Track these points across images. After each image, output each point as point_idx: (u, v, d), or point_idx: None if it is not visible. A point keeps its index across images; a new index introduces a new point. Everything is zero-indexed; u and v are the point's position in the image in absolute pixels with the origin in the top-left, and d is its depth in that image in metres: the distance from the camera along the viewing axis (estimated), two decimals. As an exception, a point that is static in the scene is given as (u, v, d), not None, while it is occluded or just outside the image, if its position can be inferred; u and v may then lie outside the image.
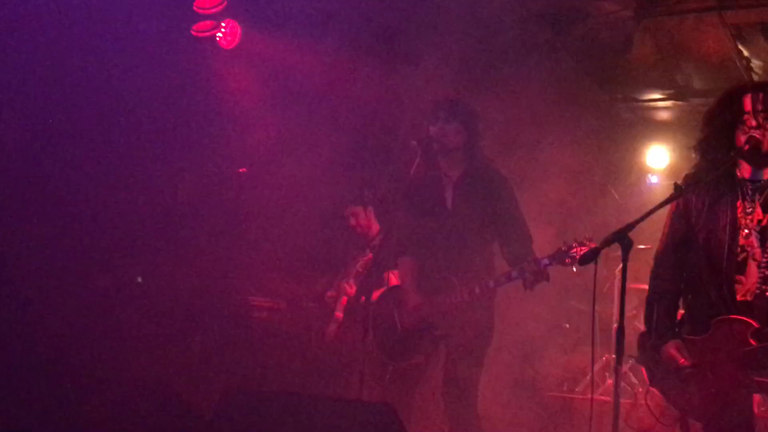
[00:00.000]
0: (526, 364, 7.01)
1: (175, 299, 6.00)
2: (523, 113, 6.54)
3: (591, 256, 3.43)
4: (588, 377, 7.33)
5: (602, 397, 6.84)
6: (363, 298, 4.44)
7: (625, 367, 7.14)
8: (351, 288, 5.74)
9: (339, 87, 6.18)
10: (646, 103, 8.07)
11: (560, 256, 4.27)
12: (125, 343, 5.39)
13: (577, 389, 7.28)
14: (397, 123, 5.80)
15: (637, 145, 8.24)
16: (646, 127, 8.25)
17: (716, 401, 3.43)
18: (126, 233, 5.92)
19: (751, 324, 3.37)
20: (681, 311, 3.75)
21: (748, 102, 3.53)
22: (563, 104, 6.98)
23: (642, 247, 5.44)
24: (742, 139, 3.50)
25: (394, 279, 4.79)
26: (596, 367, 7.41)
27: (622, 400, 6.66)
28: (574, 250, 4.26)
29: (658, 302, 3.70)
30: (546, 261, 4.29)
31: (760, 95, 3.52)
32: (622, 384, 7.02)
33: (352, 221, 6.15)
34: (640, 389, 5.11)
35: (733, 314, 3.43)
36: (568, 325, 7.74)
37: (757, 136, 3.47)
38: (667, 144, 8.27)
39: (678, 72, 7.36)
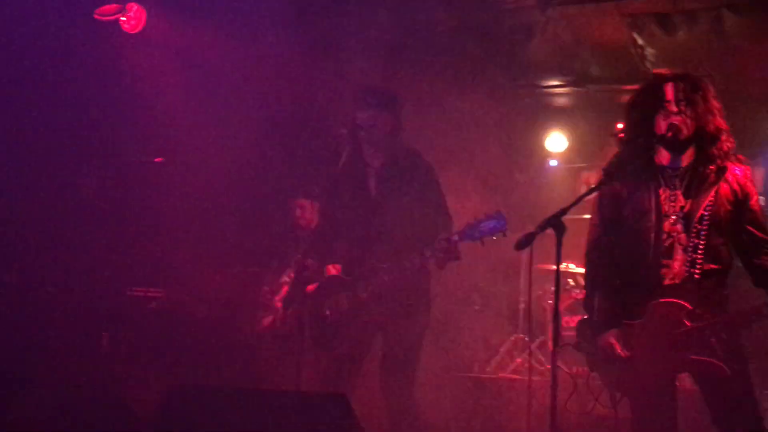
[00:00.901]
0: (438, 345, 7.15)
1: (84, 297, 5.79)
2: (431, 101, 6.66)
3: (526, 241, 3.53)
4: (498, 356, 7.56)
5: (512, 376, 7.05)
6: (301, 289, 4.42)
7: (533, 345, 7.38)
8: (289, 276, 5.71)
9: (259, 74, 6.07)
10: (547, 90, 8.31)
11: (470, 232, 4.33)
12: (36, 343, 5.16)
13: (488, 369, 7.47)
14: (327, 112, 5.77)
15: (538, 130, 8.48)
16: (547, 112, 8.50)
17: (655, 383, 3.60)
18: (29, 227, 5.65)
19: (684, 306, 3.53)
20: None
21: (669, 91, 3.67)
22: (469, 90, 7.12)
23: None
24: (663, 126, 3.64)
25: (332, 270, 4.78)
26: (505, 346, 7.63)
27: (529, 377, 6.95)
28: (483, 225, 4.33)
29: (595, 289, 3.81)
30: (456, 237, 4.35)
31: (681, 84, 3.68)
32: (531, 362, 7.30)
33: (298, 213, 6.10)
34: (577, 373, 5.27)
35: (662, 298, 3.58)
36: (477, 307, 7.92)
37: (678, 123, 3.63)
38: (565, 129, 8.55)
39: (577, 60, 7.62)
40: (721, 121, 3.69)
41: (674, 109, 3.64)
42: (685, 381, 5.48)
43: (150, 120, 6.07)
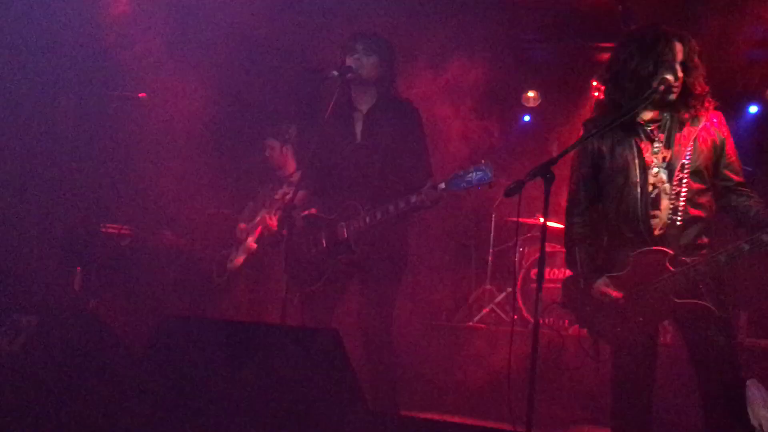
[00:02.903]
0: (408, 292, 7.26)
1: (58, 232, 5.74)
2: (407, 52, 6.64)
3: (515, 189, 3.57)
4: (465, 307, 7.70)
5: (479, 325, 7.20)
6: (285, 231, 4.44)
7: (499, 297, 7.53)
8: (272, 220, 5.71)
9: (244, 13, 5.98)
10: (525, 45, 8.32)
11: (457, 181, 4.35)
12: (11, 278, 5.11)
13: (455, 318, 7.61)
14: (312, 55, 5.71)
15: (514, 85, 8.51)
16: (523, 68, 8.51)
17: (642, 332, 3.71)
18: (2, 161, 5.55)
19: (666, 252, 3.63)
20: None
21: (679, 51, 3.68)
22: (448, 44, 7.10)
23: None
24: (662, 84, 3.63)
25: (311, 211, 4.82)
26: (473, 296, 7.78)
27: (496, 328, 7.09)
28: (470, 175, 4.35)
29: (578, 246, 3.86)
30: (443, 186, 4.38)
31: (684, 45, 3.69)
32: (497, 312, 7.47)
33: (267, 152, 6.13)
34: (570, 331, 5.39)
35: (650, 247, 3.67)
36: (447, 258, 8.03)
37: (677, 84, 3.67)
38: (539, 85, 8.60)
39: (557, 15, 7.63)
40: (705, 85, 3.75)
41: (678, 69, 3.67)
42: (666, 336, 5.69)
43: (130, 55, 5.94)
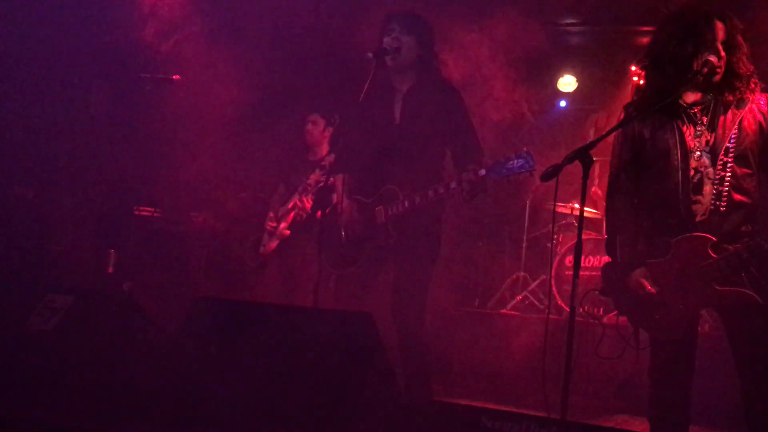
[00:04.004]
0: (443, 278, 7.23)
1: (92, 215, 5.79)
2: (446, 36, 6.57)
3: (553, 173, 3.48)
4: (498, 293, 7.65)
5: (512, 312, 7.14)
6: (319, 213, 4.40)
7: (533, 284, 7.46)
8: (307, 203, 5.71)
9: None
10: (561, 29, 8.20)
11: (498, 168, 4.28)
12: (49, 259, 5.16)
13: (489, 305, 7.56)
14: (354, 36, 5.66)
15: (551, 70, 8.41)
16: (559, 53, 8.40)
17: (682, 319, 3.62)
18: (43, 145, 5.61)
19: (709, 238, 3.50)
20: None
21: (720, 31, 3.53)
22: (484, 27, 7.03)
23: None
24: (705, 65, 3.49)
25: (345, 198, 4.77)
26: (507, 283, 7.71)
27: (529, 315, 7.02)
28: (512, 162, 4.28)
29: (618, 232, 3.75)
30: (483, 172, 4.30)
31: (727, 25, 3.55)
32: (530, 299, 7.40)
33: (309, 126, 6.11)
34: (604, 320, 5.31)
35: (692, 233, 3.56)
36: (481, 244, 7.97)
37: (720, 64, 3.52)
38: (577, 70, 8.49)
39: (593, -2, 7.52)
40: (750, 65, 3.62)
41: (720, 49, 3.54)
42: (705, 325, 5.58)
43: (163, 38, 5.95)
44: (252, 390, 3.07)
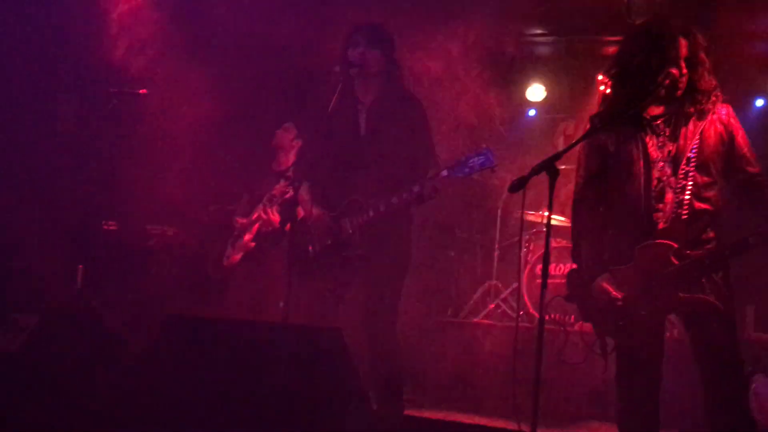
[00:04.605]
0: (414, 289, 7.24)
1: (62, 229, 5.73)
2: (413, 45, 6.61)
3: (519, 184, 3.52)
4: (471, 303, 7.66)
5: (484, 321, 7.16)
6: (288, 226, 4.40)
7: (505, 292, 7.48)
8: (274, 215, 5.68)
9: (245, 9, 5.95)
10: (530, 38, 8.27)
11: (459, 167, 4.32)
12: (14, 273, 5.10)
13: (461, 314, 7.57)
14: (321, 50, 5.69)
15: (518, 79, 8.46)
16: (527, 62, 8.47)
17: (646, 326, 3.67)
18: (5, 157, 5.54)
19: (671, 245, 3.58)
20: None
21: (684, 47, 3.63)
22: (451, 37, 7.07)
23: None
24: (667, 80, 3.59)
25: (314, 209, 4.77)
26: (479, 292, 7.73)
27: (501, 323, 7.06)
28: (473, 160, 4.32)
29: (583, 238, 3.83)
30: (445, 172, 4.34)
31: (689, 41, 3.64)
32: (502, 308, 7.43)
33: (280, 131, 6.07)
34: (575, 326, 5.35)
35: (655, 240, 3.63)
36: (453, 253, 7.99)
37: (683, 80, 3.63)
38: (545, 79, 8.54)
39: (561, 9, 7.58)
40: (713, 80, 3.70)
41: (682, 65, 3.63)
42: (674, 331, 5.66)
43: (131, 52, 5.92)
44: (221, 408, 3.06)
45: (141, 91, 5.47)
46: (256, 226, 5.92)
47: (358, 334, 4.40)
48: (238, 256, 5.97)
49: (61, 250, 5.95)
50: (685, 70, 3.63)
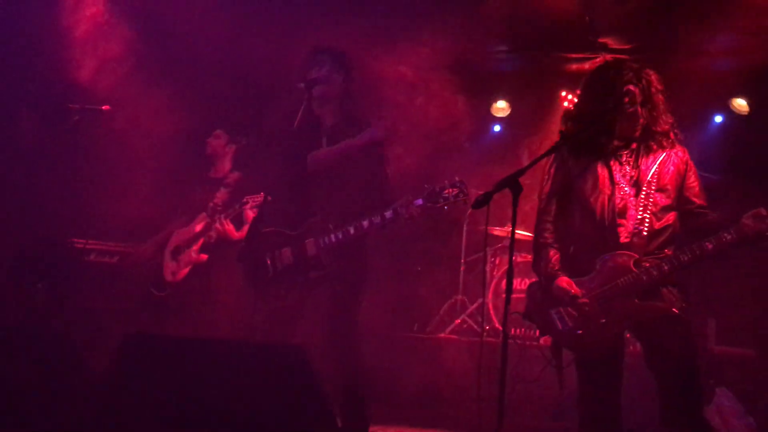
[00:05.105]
0: (382, 305, 7.24)
1: (21, 245, 5.64)
2: (378, 62, 6.64)
3: (483, 201, 3.57)
4: (437, 318, 7.67)
5: (451, 336, 7.17)
6: (255, 241, 4.40)
7: (471, 307, 7.51)
8: (229, 226, 5.58)
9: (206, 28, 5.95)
10: (494, 55, 8.34)
11: (434, 197, 4.42)
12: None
13: (428, 329, 7.58)
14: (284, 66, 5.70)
15: (484, 95, 8.53)
16: (493, 78, 8.55)
17: (605, 335, 3.73)
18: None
19: (632, 255, 3.73)
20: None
21: (634, 95, 3.81)
22: (416, 53, 7.11)
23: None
24: (623, 124, 3.82)
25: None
26: (445, 307, 7.75)
27: (467, 338, 7.07)
28: (447, 191, 4.41)
29: (545, 249, 3.93)
30: (420, 201, 4.42)
31: (641, 86, 3.83)
32: (468, 323, 7.45)
33: (211, 140, 5.97)
34: (538, 341, 5.40)
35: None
36: (419, 269, 8.00)
37: (638, 125, 3.84)
38: (509, 95, 8.63)
39: (526, 26, 7.66)
40: (669, 118, 3.86)
41: (635, 110, 3.81)
42: (637, 344, 5.73)
43: (93, 69, 5.88)
44: (183, 428, 3.02)
45: (104, 108, 5.42)
46: (202, 240, 5.73)
47: (319, 351, 4.38)
48: (186, 271, 5.76)
49: (20, 266, 5.86)
50: (641, 111, 3.82)
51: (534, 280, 4.08)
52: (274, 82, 6.15)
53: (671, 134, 3.86)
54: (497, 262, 7.56)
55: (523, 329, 6.27)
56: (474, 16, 7.43)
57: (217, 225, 5.61)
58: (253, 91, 6.83)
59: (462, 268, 7.74)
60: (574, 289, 3.76)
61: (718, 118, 7.77)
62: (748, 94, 7.53)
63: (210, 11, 5.97)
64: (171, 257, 5.86)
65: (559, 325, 3.80)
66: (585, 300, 3.74)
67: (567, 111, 4.45)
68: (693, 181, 3.86)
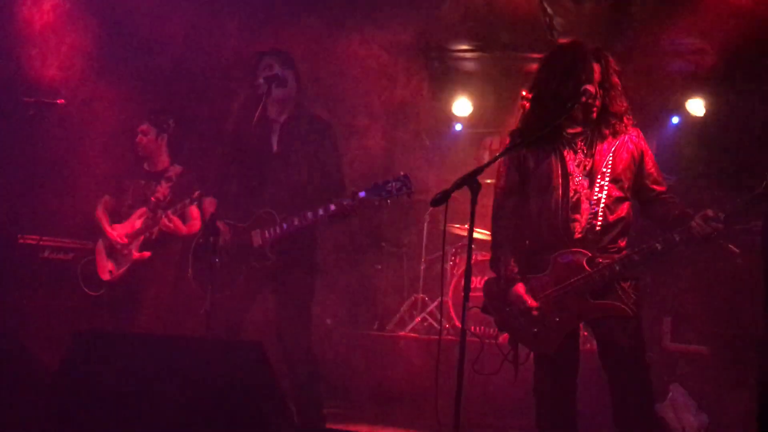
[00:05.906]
0: (341, 302, 7.23)
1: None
2: (336, 59, 6.63)
3: (442, 198, 3.58)
4: (397, 316, 7.67)
5: (411, 334, 7.18)
6: (212, 238, 4.40)
7: (431, 306, 7.52)
8: (176, 221, 5.48)
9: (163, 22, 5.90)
10: (455, 54, 8.37)
11: (377, 191, 4.52)
12: None
13: (388, 327, 7.57)
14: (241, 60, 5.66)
15: (445, 94, 8.55)
16: (453, 77, 8.57)
17: (560, 333, 3.77)
18: None
19: (585, 253, 3.76)
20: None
21: (597, 72, 3.81)
22: (376, 51, 7.11)
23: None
24: (581, 103, 3.79)
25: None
26: (405, 305, 7.75)
27: (427, 336, 7.09)
28: (390, 185, 4.51)
29: (501, 248, 3.95)
30: (362, 194, 4.52)
31: (602, 65, 3.83)
32: (429, 321, 7.46)
33: (140, 138, 5.78)
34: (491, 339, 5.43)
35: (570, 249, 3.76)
36: (380, 267, 7.99)
37: (596, 104, 3.83)
38: (471, 94, 8.65)
39: (487, 25, 7.71)
40: (624, 102, 3.87)
41: (596, 89, 3.80)
42: (593, 342, 5.79)
43: (49, 63, 5.78)
44: (138, 425, 2.98)
45: (59, 101, 5.31)
46: (143, 237, 5.59)
47: (271, 346, 4.37)
48: (123, 270, 5.62)
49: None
50: (599, 92, 3.79)
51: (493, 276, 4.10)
52: (232, 76, 6.11)
53: (625, 117, 3.86)
54: (457, 260, 7.57)
55: (482, 327, 6.30)
56: (434, 16, 7.47)
57: (165, 220, 5.45)
58: (205, 85, 6.73)
59: (422, 267, 7.75)
60: (530, 301, 3.79)
61: (675, 119, 7.88)
62: (704, 96, 7.65)
63: (167, 3, 5.89)
64: (107, 255, 5.72)
65: (515, 323, 3.83)
66: (536, 312, 3.77)
67: (524, 113, 4.45)
68: (650, 167, 3.88)
